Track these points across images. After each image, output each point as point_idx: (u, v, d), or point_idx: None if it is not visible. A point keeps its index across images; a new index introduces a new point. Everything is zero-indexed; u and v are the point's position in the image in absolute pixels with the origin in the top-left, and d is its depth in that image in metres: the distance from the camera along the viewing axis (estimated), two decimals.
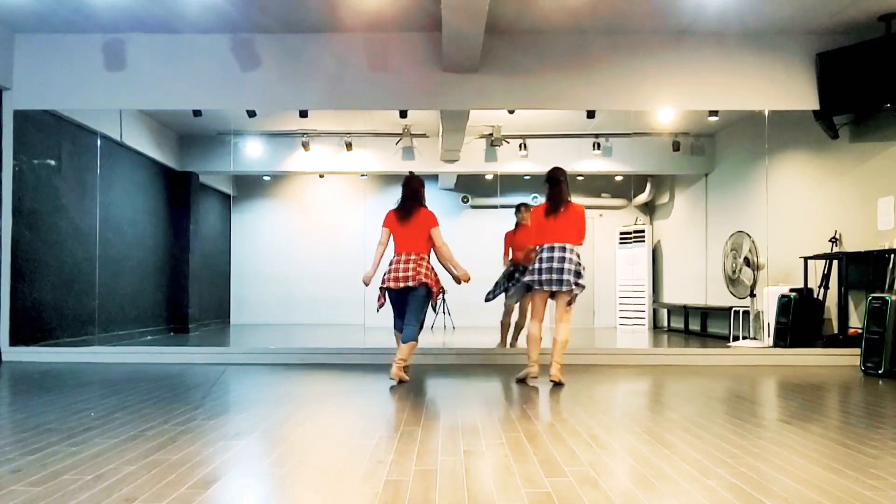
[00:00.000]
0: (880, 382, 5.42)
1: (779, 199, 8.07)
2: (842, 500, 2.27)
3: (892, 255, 6.35)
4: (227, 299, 10.90)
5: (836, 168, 7.42)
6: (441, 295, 5.40)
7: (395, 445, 3.05)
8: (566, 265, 5.06)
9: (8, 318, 6.70)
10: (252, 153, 9.71)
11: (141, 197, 9.17)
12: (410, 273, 5.19)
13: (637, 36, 6.89)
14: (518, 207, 7.36)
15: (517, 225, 7.31)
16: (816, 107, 6.87)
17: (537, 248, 5.22)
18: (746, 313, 8.34)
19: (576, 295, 5.14)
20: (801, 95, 6.89)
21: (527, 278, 5.22)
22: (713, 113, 7.63)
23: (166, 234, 9.88)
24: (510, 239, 7.31)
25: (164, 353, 6.88)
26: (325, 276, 10.91)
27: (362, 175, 10.50)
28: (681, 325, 10.32)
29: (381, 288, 5.33)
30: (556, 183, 5.28)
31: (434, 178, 10.64)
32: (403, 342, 5.20)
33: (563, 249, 5.11)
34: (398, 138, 8.91)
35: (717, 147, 9.73)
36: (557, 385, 5.02)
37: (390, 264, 5.34)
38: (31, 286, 6.90)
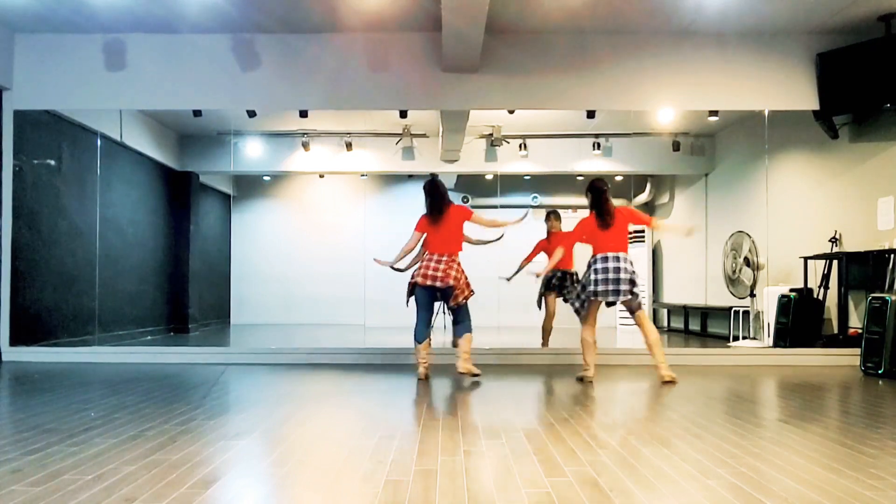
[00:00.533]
0: (880, 382, 5.42)
1: (779, 199, 8.07)
2: (842, 500, 2.27)
3: (892, 255, 6.35)
4: (227, 299, 10.89)
5: (836, 168, 7.42)
6: (469, 299, 5.46)
7: (395, 445, 3.05)
8: (622, 275, 5.15)
9: (8, 318, 6.69)
10: (252, 153, 9.71)
11: (141, 197, 9.17)
12: (440, 274, 5.27)
13: (637, 36, 6.89)
14: (548, 216, 7.43)
15: (548, 233, 7.38)
16: (816, 107, 6.87)
17: (592, 258, 5.30)
18: (746, 313, 8.34)
19: (638, 302, 5.26)
20: (801, 95, 6.89)
21: (584, 292, 5.27)
22: (713, 113, 7.62)
23: (166, 234, 9.88)
24: (542, 246, 7.34)
25: (164, 353, 6.88)
26: (325, 276, 10.91)
27: (362, 175, 10.50)
28: (681, 325, 10.32)
29: (409, 283, 5.41)
30: (600, 193, 5.33)
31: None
32: (458, 336, 5.39)
33: (618, 259, 5.19)
34: (398, 138, 8.91)
35: (717, 147, 9.73)
36: (669, 384, 5.14)
37: (422, 261, 5.40)
38: (31, 286, 6.90)
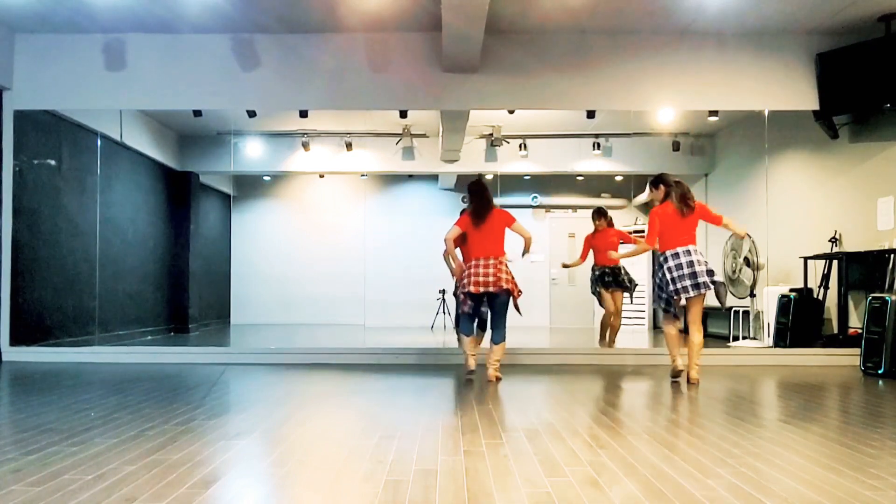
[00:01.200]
0: (880, 382, 5.42)
1: (779, 199, 8.06)
2: (842, 500, 2.27)
3: (892, 255, 6.35)
4: (227, 299, 10.89)
5: (836, 168, 7.42)
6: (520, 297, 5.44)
7: (395, 445, 3.05)
8: (696, 268, 5.08)
9: (8, 318, 6.69)
10: (252, 153, 9.71)
11: (141, 197, 9.17)
12: (492, 278, 5.21)
13: (637, 36, 6.89)
14: (597, 212, 7.50)
15: (595, 230, 7.48)
16: (816, 107, 6.87)
17: (661, 255, 5.22)
18: (746, 313, 8.33)
19: (719, 290, 5.18)
20: (801, 95, 6.89)
21: (668, 292, 5.17)
22: (713, 113, 7.62)
23: (166, 234, 9.88)
24: (589, 242, 7.48)
25: (164, 353, 6.88)
26: (325, 276, 10.91)
27: (362, 175, 10.50)
28: (681, 325, 10.29)
29: (463, 293, 5.33)
30: (677, 184, 5.25)
31: (434, 178, 10.64)
32: (495, 343, 5.34)
33: (688, 252, 5.12)
34: (398, 138, 8.91)
35: (717, 147, 9.72)
36: (693, 385, 5.09)
37: (469, 268, 5.33)
38: (31, 286, 6.90)
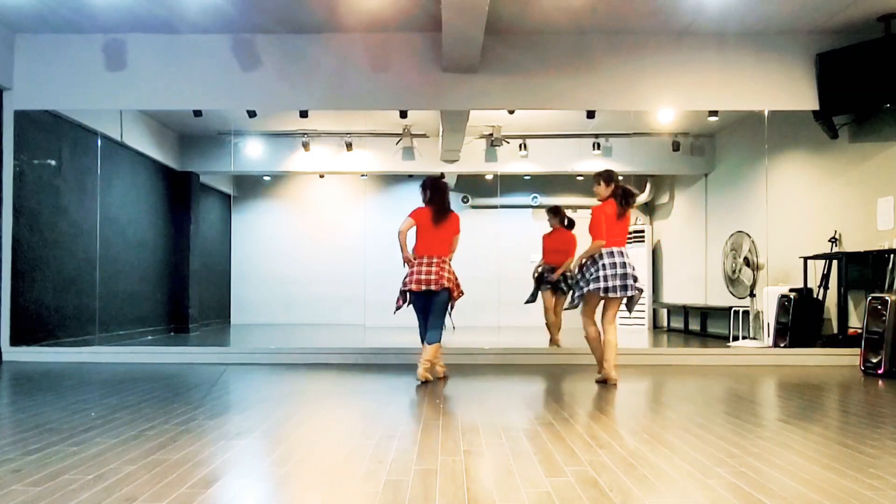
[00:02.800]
0: (880, 382, 5.42)
1: (779, 199, 8.07)
2: (842, 500, 2.27)
3: (892, 255, 6.35)
4: (227, 299, 10.89)
5: (835, 168, 7.42)
6: (459, 299, 5.41)
7: (395, 445, 3.05)
8: (628, 270, 5.14)
9: (8, 318, 6.70)
10: (252, 153, 9.71)
11: (141, 197, 9.17)
12: (433, 276, 5.20)
13: (637, 36, 6.89)
14: (550, 210, 7.48)
15: (552, 229, 7.47)
16: (816, 107, 6.87)
17: (600, 251, 5.23)
18: (746, 313, 8.34)
19: (637, 298, 5.22)
20: (801, 95, 6.89)
21: (593, 286, 5.15)
22: (713, 113, 7.62)
23: (166, 234, 9.88)
24: (547, 241, 7.48)
25: (164, 353, 6.88)
26: (325, 276, 10.91)
27: (362, 175, 10.50)
28: (681, 325, 10.31)
29: (401, 291, 5.33)
30: (615, 180, 5.28)
31: None
32: (428, 343, 5.25)
33: (622, 254, 5.19)
34: (398, 138, 8.91)
35: (717, 147, 9.72)
36: (612, 386, 5.11)
37: (412, 266, 5.32)
38: (31, 286, 6.90)
